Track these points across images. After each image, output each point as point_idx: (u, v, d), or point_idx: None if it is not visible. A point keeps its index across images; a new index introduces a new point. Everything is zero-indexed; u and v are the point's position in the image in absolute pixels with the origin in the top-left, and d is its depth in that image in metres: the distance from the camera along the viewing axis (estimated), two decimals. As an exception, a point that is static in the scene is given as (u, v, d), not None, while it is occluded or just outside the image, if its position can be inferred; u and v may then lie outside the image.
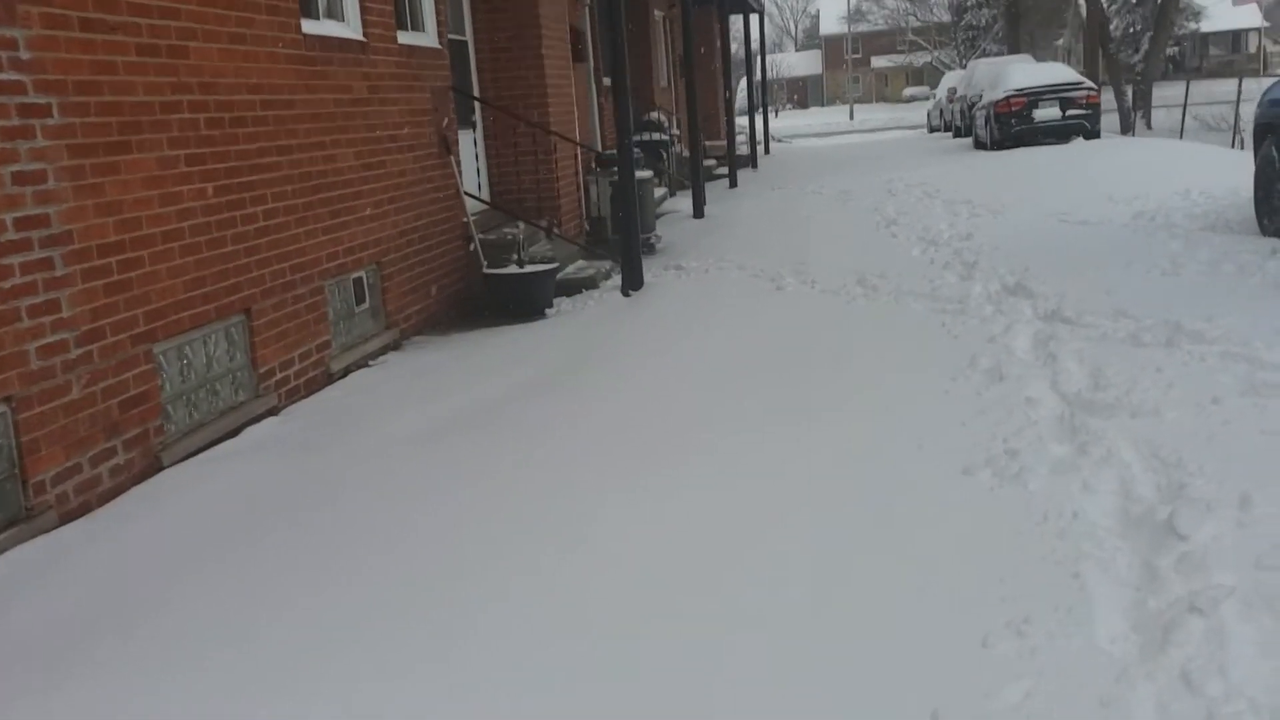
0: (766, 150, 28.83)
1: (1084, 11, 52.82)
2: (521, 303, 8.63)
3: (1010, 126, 21.47)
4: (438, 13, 9.03)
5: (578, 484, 4.42)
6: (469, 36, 10.11)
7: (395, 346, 7.73)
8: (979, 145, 23.54)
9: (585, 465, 4.64)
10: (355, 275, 7.35)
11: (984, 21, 62.08)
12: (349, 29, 7.45)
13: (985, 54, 51.96)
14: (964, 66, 43.32)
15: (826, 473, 4.30)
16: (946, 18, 65.64)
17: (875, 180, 16.80)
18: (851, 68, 76.33)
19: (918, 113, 49.01)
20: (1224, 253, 7.64)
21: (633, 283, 9.12)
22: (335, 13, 7.40)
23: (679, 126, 22.59)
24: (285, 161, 6.38)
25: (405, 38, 8.31)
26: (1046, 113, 21.43)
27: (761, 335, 6.82)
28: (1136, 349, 5.45)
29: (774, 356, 6.21)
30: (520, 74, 10.29)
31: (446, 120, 9.02)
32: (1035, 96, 21.45)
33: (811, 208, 13.81)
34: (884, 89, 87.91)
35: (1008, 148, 21.20)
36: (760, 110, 29.48)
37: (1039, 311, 6.63)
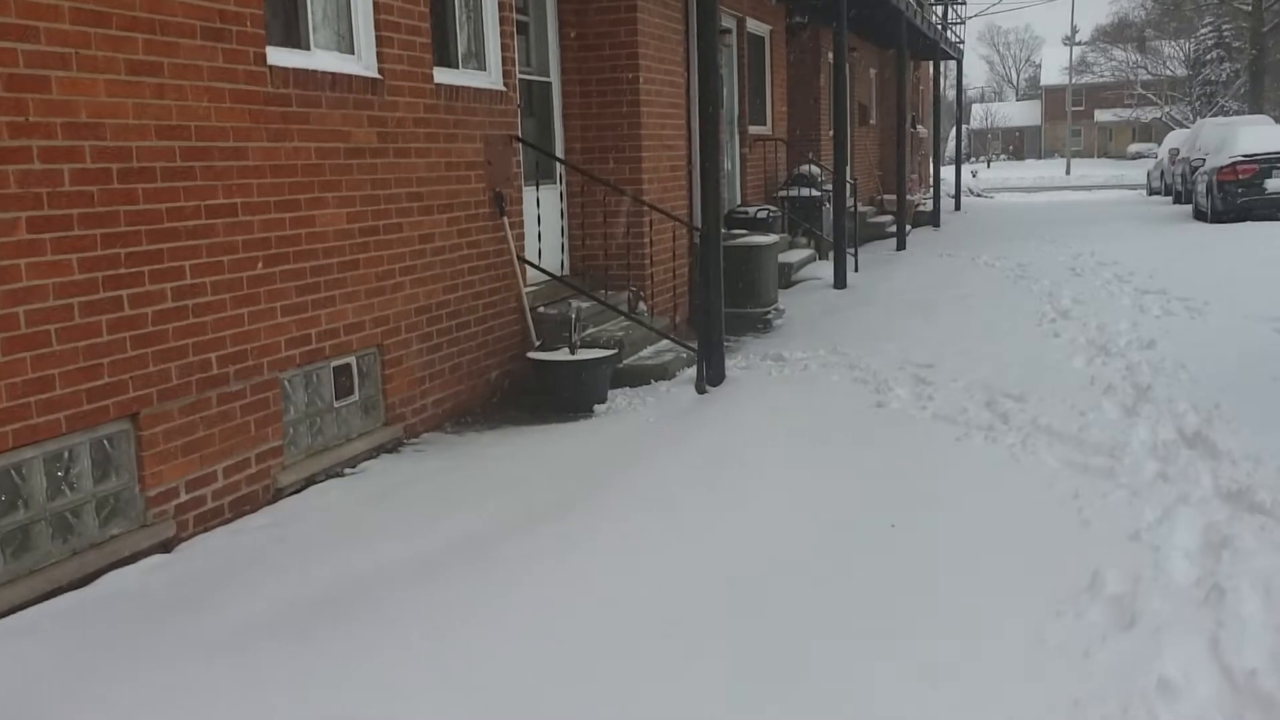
0: (957, 206, 26.55)
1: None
2: (566, 395, 7.12)
3: (1235, 197, 18.69)
4: (504, 48, 7.66)
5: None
6: (554, 78, 8.72)
7: (392, 448, 6.33)
8: (1198, 215, 20.71)
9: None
10: (339, 362, 5.99)
11: (1224, 76, 57.41)
12: (354, 63, 6.13)
13: (1223, 111, 47.74)
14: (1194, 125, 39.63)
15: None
16: (1181, 71, 61.03)
17: (1063, 253, 14.55)
18: (1072, 120, 72.02)
19: (1140, 171, 45.20)
20: None
21: (712, 376, 7.48)
22: (335, 42, 6.11)
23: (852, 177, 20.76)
24: (223, 225, 5.07)
25: (447, 76, 6.97)
26: (1281, 184, 18.55)
27: (825, 492, 5.05)
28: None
29: (819, 543, 4.44)
30: (612, 123, 8.83)
31: (509, 175, 7.63)
32: (1269, 164, 18.61)
33: (974, 285, 11.78)
34: (1107, 144, 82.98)
35: (1230, 221, 18.43)
36: (954, 163, 27.21)
37: (1221, 487, 4.65)
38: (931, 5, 25.04)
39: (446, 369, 6.95)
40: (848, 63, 20.31)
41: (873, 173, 22.71)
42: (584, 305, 7.99)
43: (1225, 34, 57.91)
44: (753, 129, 14.26)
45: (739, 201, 13.82)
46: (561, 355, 7.21)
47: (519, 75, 8.13)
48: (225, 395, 5.11)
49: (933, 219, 21.73)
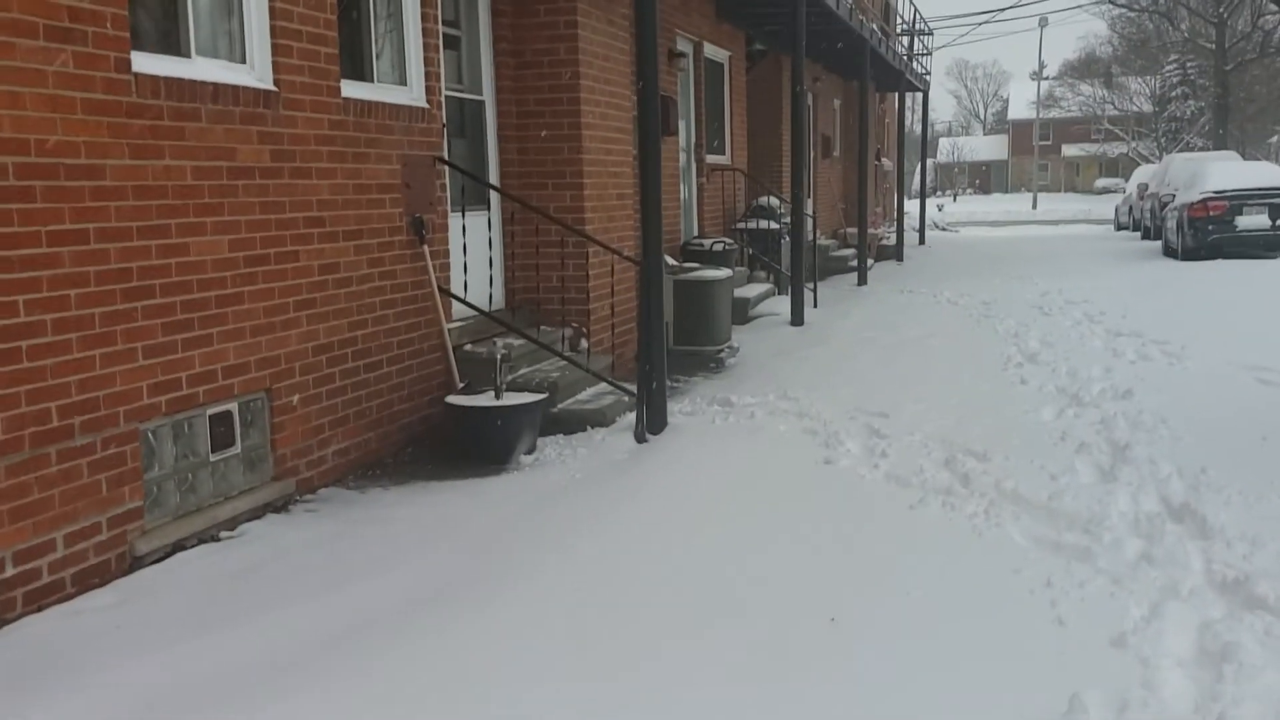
0: (922, 240, 26.11)
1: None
2: (489, 446, 6.42)
3: (1206, 234, 18.30)
4: (427, 61, 7.01)
5: None
6: (488, 96, 8.07)
7: (281, 506, 5.61)
8: (1168, 252, 20.33)
9: None
10: (217, 409, 5.28)
11: (1189, 114, 57.74)
12: (245, 73, 5.45)
13: (1188, 148, 47.89)
14: (1162, 160, 39.58)
15: None
16: (1147, 107, 61.37)
17: (1030, 290, 14.02)
18: (1039, 154, 72.21)
19: (1107, 206, 45.13)
20: None
21: (652, 423, 6.82)
22: (224, 49, 5.43)
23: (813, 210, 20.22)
24: (70, 254, 4.37)
25: (358, 89, 6.30)
26: (1252, 220, 18.20)
27: (758, 577, 4.36)
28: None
29: (745, 651, 3.76)
30: (552, 146, 8.18)
31: (431, 199, 6.96)
32: (1239, 201, 18.25)
33: (935, 324, 11.20)
34: (1074, 178, 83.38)
35: (1201, 258, 18.03)
36: (917, 196, 26.82)
37: (1214, 574, 4.03)
38: (898, 36, 24.69)
39: (351, 415, 6.24)
40: (811, 92, 19.87)
41: (836, 206, 22.23)
42: (516, 343, 7.32)
43: (1190, 71, 58.37)
44: (711, 158, 13.69)
45: (695, 233, 13.22)
46: (484, 400, 6.53)
47: (447, 92, 7.48)
48: (68, 451, 4.39)
49: (896, 253, 21.24)
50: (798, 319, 11.71)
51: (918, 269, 18.85)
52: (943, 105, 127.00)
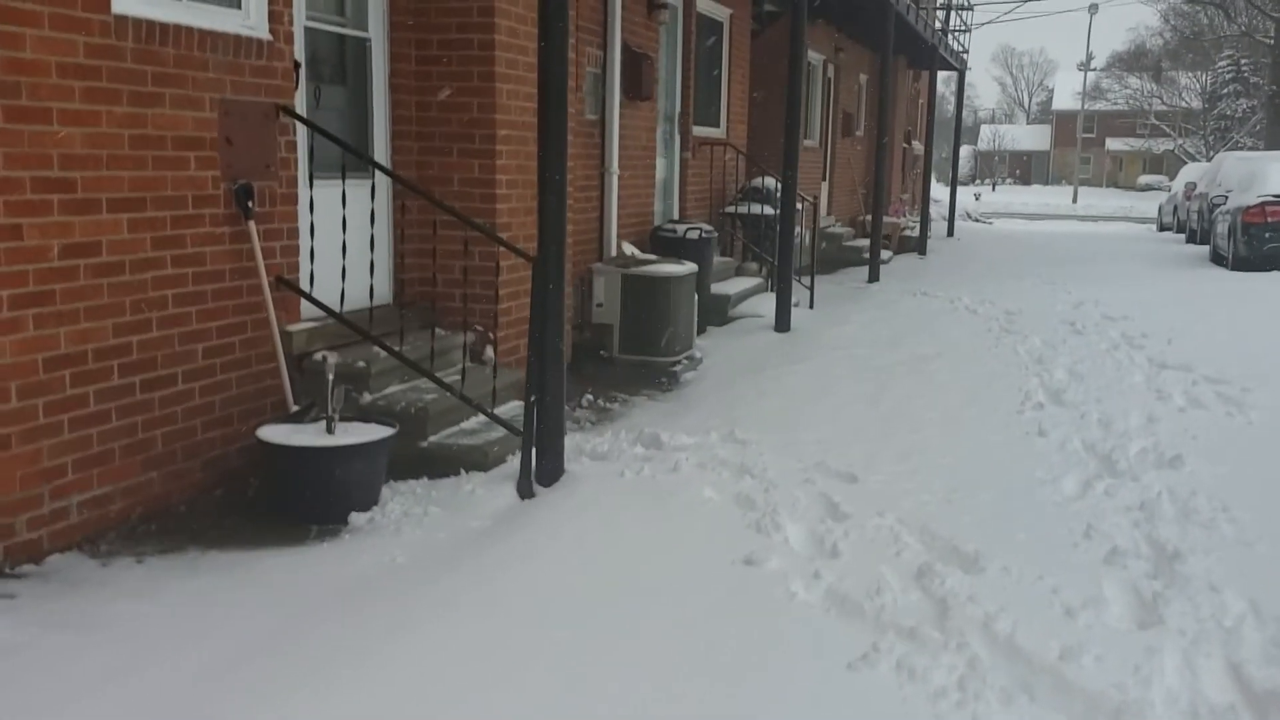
0: (950, 231, 24.20)
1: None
2: (299, 498, 4.77)
3: (1262, 242, 16.36)
4: (272, -22, 5.31)
5: None
6: (376, 34, 6.34)
7: (-25, 584, 3.98)
8: (1217, 259, 18.40)
9: None
10: None
11: (1240, 112, 55.22)
12: (-78, -35, 3.78)
13: (1237, 147, 45.53)
14: (1209, 159, 37.33)
15: None
16: (1196, 104, 58.92)
17: (1061, 299, 12.19)
18: (1082, 147, 69.68)
19: (1150, 204, 42.94)
20: None
21: (542, 472, 5.14)
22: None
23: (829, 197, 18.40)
24: None
25: (145, 6, 4.60)
26: (1315, 229, 16.21)
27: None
28: None
29: None
30: (459, 102, 6.46)
31: (267, 161, 5.27)
32: (1302, 206, 16.27)
33: (945, 340, 9.42)
34: (1117, 173, 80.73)
35: (1255, 269, 16.11)
36: (949, 184, 24.92)
37: None
38: (935, 8, 22.73)
39: (118, 450, 4.59)
40: (833, 64, 18.01)
41: (856, 190, 20.38)
42: (382, 354, 5.63)
43: (1244, 68, 55.87)
44: (700, 130, 11.91)
45: (676, 215, 11.48)
46: (309, 436, 4.85)
47: (310, 23, 5.81)
48: None
49: (919, 246, 19.37)
50: (783, 324, 9.96)
51: (940, 265, 17.01)
52: (987, 92, 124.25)
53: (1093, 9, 55.02)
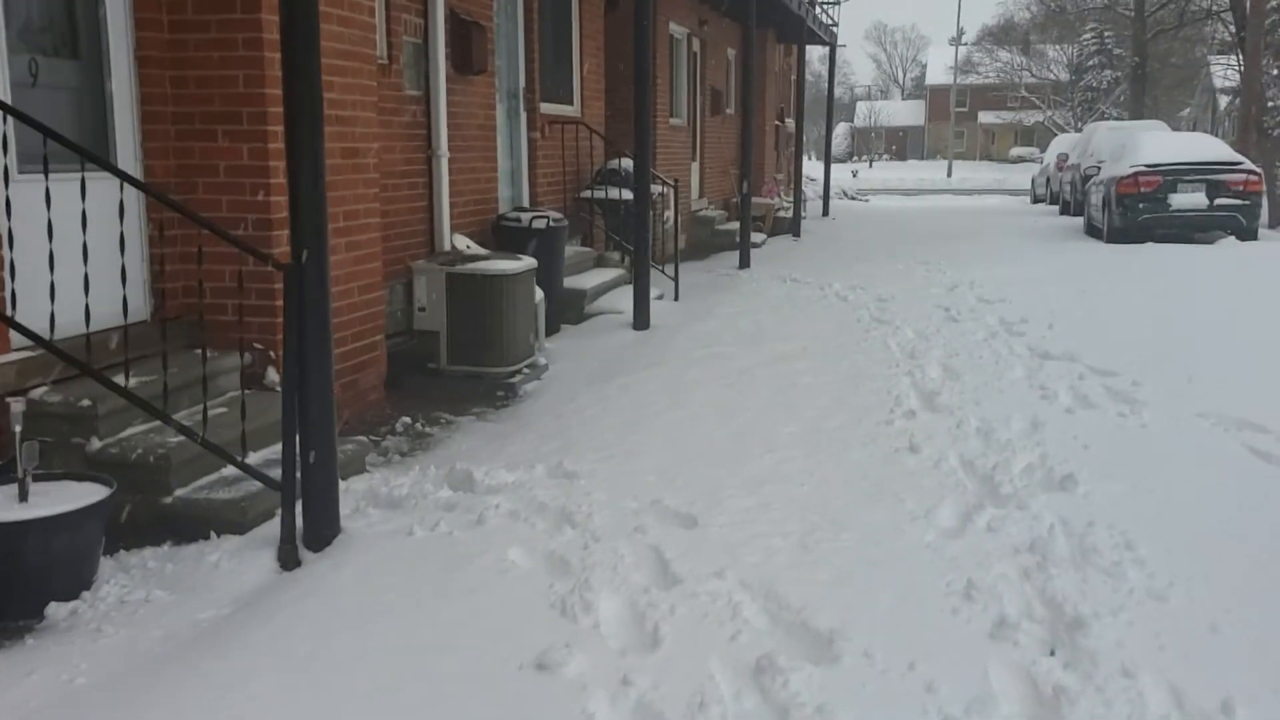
0: (825, 211, 23.67)
1: (1215, 81, 46.56)
2: (-12, 589, 3.69)
3: (1136, 213, 16.06)
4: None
5: None
6: (111, -11, 5.22)
7: None
8: (1091, 231, 18.14)
9: None
10: None
11: (1105, 83, 56.35)
12: None
13: (1103, 118, 46.29)
14: (1078, 130, 37.67)
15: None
16: (1064, 76, 60.00)
17: (937, 281, 11.56)
18: (956, 121, 70.50)
19: (1023, 176, 43.35)
20: None
21: (313, 535, 4.15)
22: None
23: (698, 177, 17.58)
24: None
25: None
26: (1188, 199, 15.98)
27: None
28: None
29: None
30: (223, 74, 5.37)
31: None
32: (1174, 176, 16.02)
33: (812, 332, 8.63)
34: (990, 146, 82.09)
35: (1130, 240, 15.82)
36: (821, 161, 24.40)
37: None
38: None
39: None
40: (698, 38, 17.15)
41: (728, 170, 19.59)
42: (137, 383, 4.53)
43: (1107, 40, 57.06)
44: (551, 108, 10.92)
45: (527, 201, 10.49)
46: (-6, 503, 3.77)
47: (10, -21, 4.66)
48: None
49: (793, 227, 18.69)
50: (641, 321, 9.07)
51: (813, 248, 16.34)
52: (862, 69, 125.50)
53: (962, -17, 55.41)
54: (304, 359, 4.13)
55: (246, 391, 5.38)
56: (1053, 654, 3.26)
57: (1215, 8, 35.96)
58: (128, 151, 5.31)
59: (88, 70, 5.17)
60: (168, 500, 4.45)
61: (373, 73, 6.43)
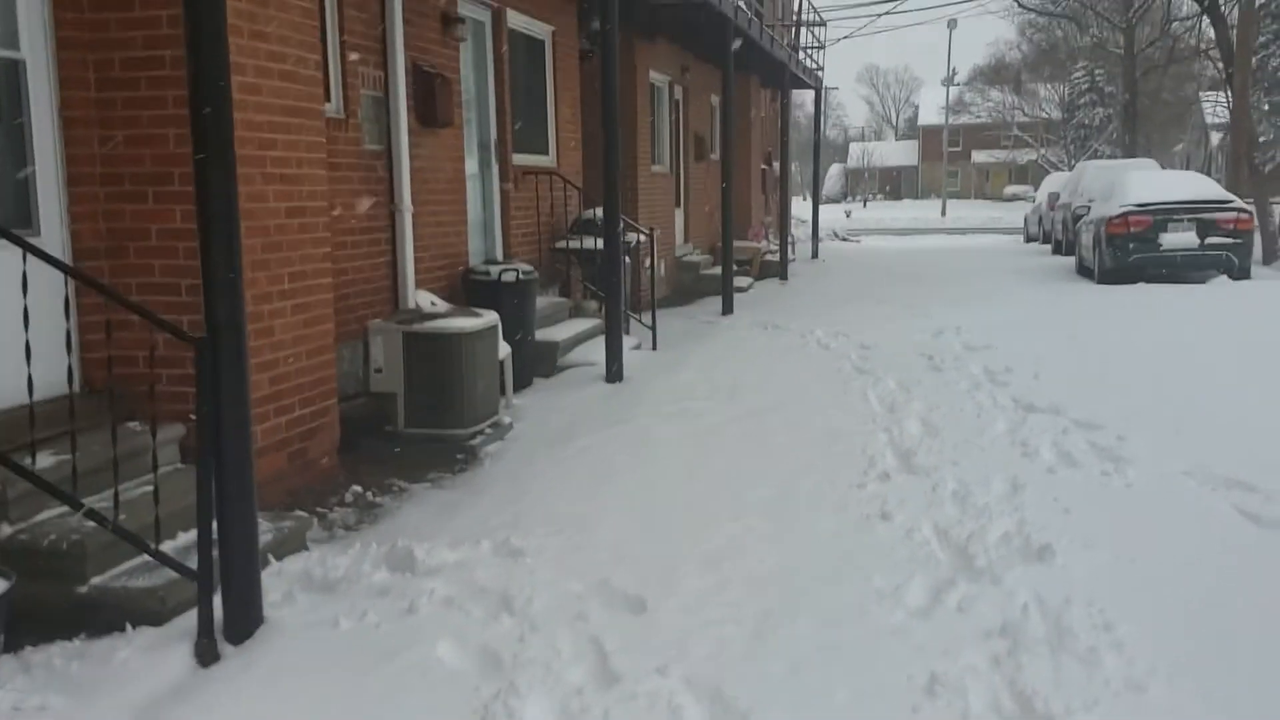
0: (814, 253, 23.49)
1: (1205, 117, 46.62)
2: None
3: (1127, 253, 15.87)
4: None
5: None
6: (34, 54, 4.96)
7: None
8: (1083, 271, 17.94)
9: None
10: None
11: (1097, 121, 56.51)
12: None
13: (1096, 155, 46.40)
14: (1071, 167, 37.63)
15: None
16: (1056, 114, 60.23)
17: (922, 327, 11.29)
18: (949, 160, 70.71)
19: (1018, 214, 43.32)
20: None
21: (233, 627, 3.86)
22: None
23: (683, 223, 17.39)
24: None
25: None
26: (1178, 238, 15.79)
27: None
28: None
29: None
30: (154, 134, 5.14)
31: None
32: (1164, 216, 15.84)
33: (789, 384, 8.36)
34: (984, 185, 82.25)
35: (1120, 281, 15.60)
36: (810, 203, 24.26)
37: None
38: (783, 25, 22.04)
39: None
40: (680, 85, 17.01)
41: (714, 216, 19.39)
42: (49, 462, 4.26)
43: (1098, 78, 57.30)
44: (525, 159, 10.72)
45: (500, 254, 10.26)
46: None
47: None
48: None
49: (781, 271, 18.48)
50: (614, 373, 8.80)
51: (799, 291, 16.12)
52: (855, 111, 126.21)
53: (952, 24, 55.76)
54: (222, 441, 3.85)
55: (180, 466, 5.11)
56: (1021, 758, 2.97)
57: (1203, 46, 36.08)
58: (52, 215, 5.06)
59: (7, 130, 4.93)
60: (83, 589, 4.15)
61: (320, 129, 6.19)
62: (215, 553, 3.88)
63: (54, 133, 5.08)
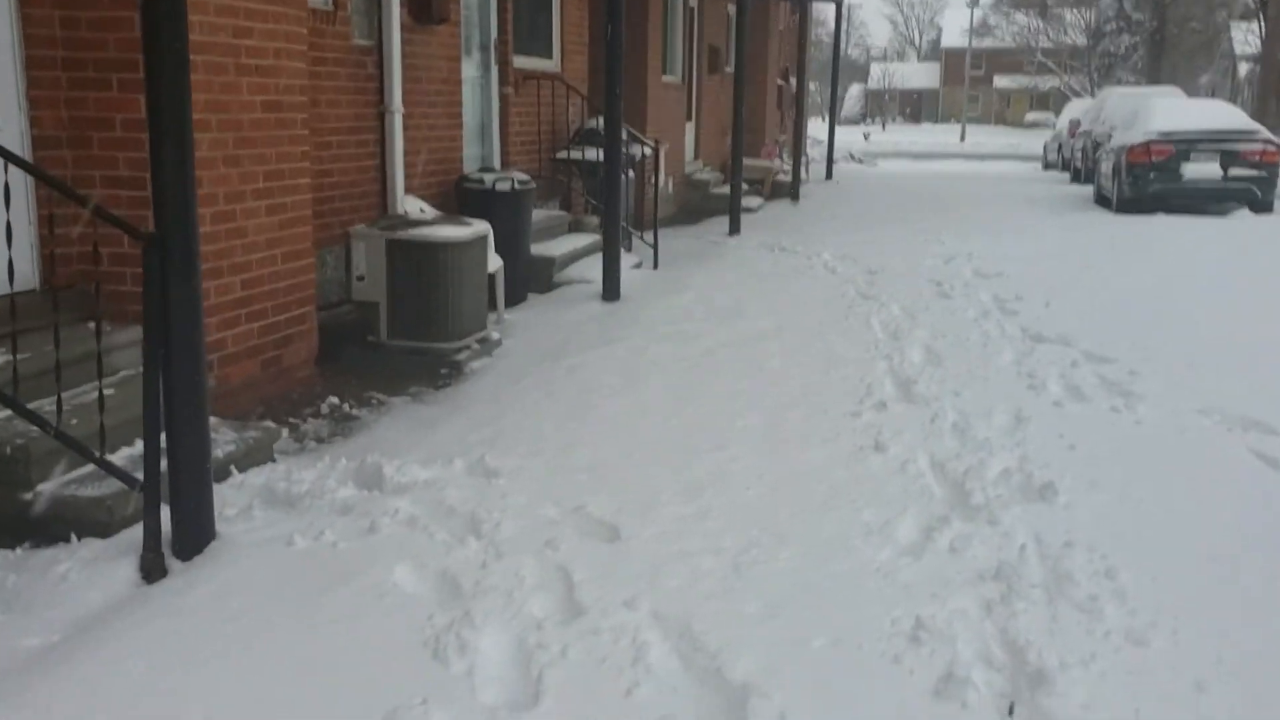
0: (829, 174, 22.99)
1: (1235, 47, 45.35)
2: None
3: (1147, 183, 15.41)
4: None
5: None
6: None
7: None
8: (1100, 200, 17.48)
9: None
10: None
11: (1123, 49, 55.23)
12: None
13: (1120, 84, 45.37)
14: (1094, 95, 36.78)
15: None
16: (1081, 40, 58.86)
17: (934, 252, 10.96)
18: (971, 85, 69.41)
19: (1037, 141, 42.46)
20: None
21: (183, 541, 3.64)
22: None
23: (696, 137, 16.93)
24: None
25: None
26: (1201, 169, 15.32)
27: None
28: None
29: None
30: (115, 16, 4.81)
31: None
32: (1187, 145, 15.35)
33: (791, 308, 8.07)
34: (1005, 110, 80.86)
35: (1139, 211, 15.18)
36: (825, 123, 23.69)
37: None
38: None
39: None
40: (694, -9, 16.42)
41: (727, 132, 18.90)
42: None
43: (1126, 5, 55.88)
44: (526, 62, 10.30)
45: (498, 162, 9.91)
46: None
47: None
48: None
49: (792, 191, 18.05)
50: (611, 291, 8.52)
51: (810, 213, 15.73)
52: (878, 30, 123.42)
53: (979, -57, 54.25)
54: (170, 344, 3.59)
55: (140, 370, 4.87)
56: (1011, 714, 2.75)
57: (1238, -29, 35.00)
58: (9, 100, 4.75)
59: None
60: (27, 496, 3.94)
61: (301, 19, 5.84)
62: (165, 464, 3.67)
63: (10, 12, 4.75)
